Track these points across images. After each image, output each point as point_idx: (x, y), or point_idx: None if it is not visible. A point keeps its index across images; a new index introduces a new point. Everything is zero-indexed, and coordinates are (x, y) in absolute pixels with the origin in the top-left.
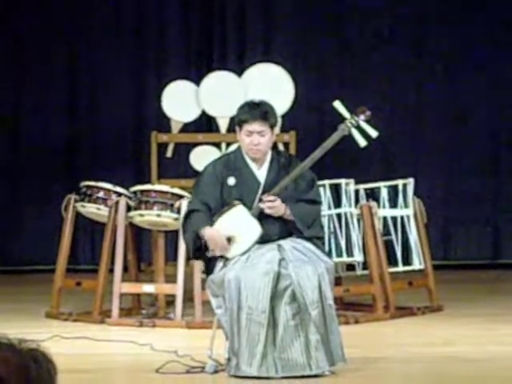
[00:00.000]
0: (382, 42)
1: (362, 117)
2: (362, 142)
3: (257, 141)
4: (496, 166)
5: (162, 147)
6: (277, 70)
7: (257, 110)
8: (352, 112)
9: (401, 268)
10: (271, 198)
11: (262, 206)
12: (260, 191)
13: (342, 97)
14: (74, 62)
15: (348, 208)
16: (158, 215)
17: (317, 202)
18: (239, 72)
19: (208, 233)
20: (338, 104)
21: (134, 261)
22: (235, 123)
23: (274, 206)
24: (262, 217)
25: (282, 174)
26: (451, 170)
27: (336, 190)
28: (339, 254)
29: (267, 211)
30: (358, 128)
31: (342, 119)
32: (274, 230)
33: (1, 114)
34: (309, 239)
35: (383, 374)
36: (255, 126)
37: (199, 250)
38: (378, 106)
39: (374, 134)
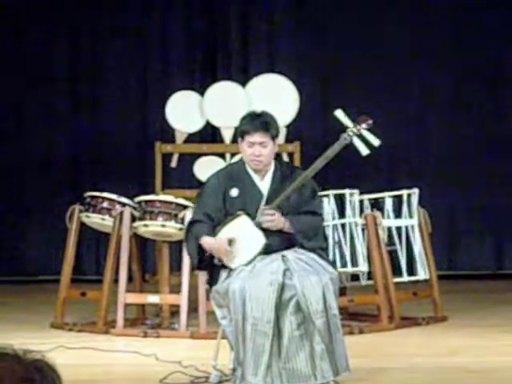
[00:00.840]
0: (386, 51)
1: (364, 125)
2: (364, 151)
3: (258, 152)
4: (501, 178)
5: (167, 158)
6: (281, 80)
7: (258, 121)
8: (354, 121)
9: (405, 278)
10: (270, 211)
11: (260, 219)
12: (263, 202)
13: (347, 107)
14: (77, 73)
15: (352, 218)
16: (163, 225)
17: (318, 214)
18: (243, 82)
19: (206, 242)
20: (339, 113)
21: (138, 271)
22: (237, 134)
23: (273, 219)
24: (265, 227)
25: (284, 184)
26: (456, 180)
27: (340, 200)
28: (344, 264)
29: (266, 225)
30: (360, 137)
31: (344, 128)
32: (278, 240)
33: (4, 125)
34: (311, 250)
35: None
36: (256, 137)
37: (202, 260)
38: (382, 115)
39: (376, 142)
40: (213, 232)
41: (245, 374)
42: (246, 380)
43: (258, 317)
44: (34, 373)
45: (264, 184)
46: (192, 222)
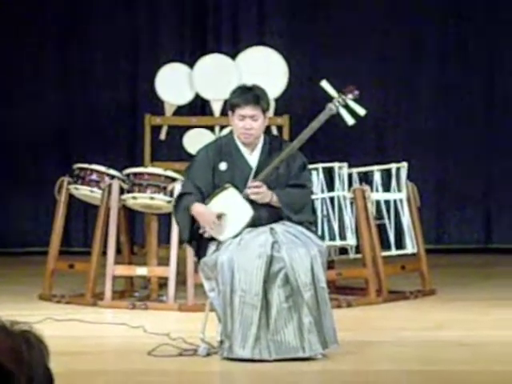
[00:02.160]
0: (377, 24)
1: (350, 95)
2: (350, 121)
3: (249, 125)
4: (488, 151)
5: (156, 130)
6: (271, 53)
7: (249, 94)
8: (340, 91)
9: (394, 252)
10: (256, 183)
11: (247, 191)
12: (252, 176)
13: (335, 80)
14: (67, 45)
15: (341, 192)
16: (151, 198)
17: (306, 187)
18: (233, 55)
19: (196, 209)
20: (325, 84)
21: (126, 243)
22: (228, 107)
23: (259, 192)
24: (253, 200)
25: (273, 157)
26: (444, 153)
27: (329, 174)
28: (332, 238)
29: (252, 197)
30: (346, 107)
31: (330, 98)
32: (266, 213)
33: None
34: (299, 223)
35: (375, 358)
36: (247, 111)
37: (193, 231)
38: (372, 88)
39: (362, 112)
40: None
41: (233, 347)
42: (233, 352)
43: (246, 289)
44: (22, 344)
45: (253, 158)
46: (181, 195)
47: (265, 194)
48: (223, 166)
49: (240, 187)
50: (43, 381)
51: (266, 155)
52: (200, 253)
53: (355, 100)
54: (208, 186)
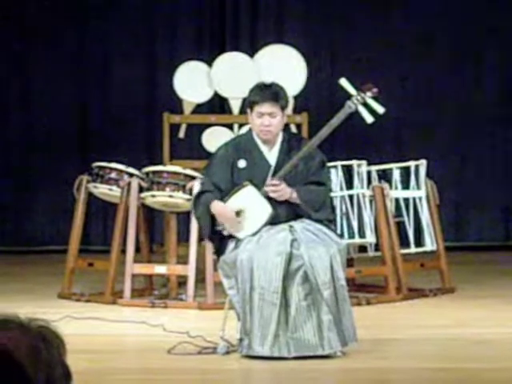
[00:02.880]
0: (395, 23)
1: (369, 93)
2: (369, 119)
3: (268, 122)
4: (508, 148)
5: (175, 128)
6: (289, 51)
7: (267, 92)
8: (358, 89)
9: (413, 249)
10: (275, 182)
11: (266, 189)
12: (271, 173)
13: (353, 78)
14: (85, 44)
15: (360, 189)
16: (170, 196)
17: (326, 185)
18: (251, 53)
19: (216, 207)
20: (344, 81)
21: (146, 242)
22: (246, 105)
23: (278, 190)
24: (272, 198)
25: (292, 155)
26: (464, 151)
27: (348, 172)
28: (351, 236)
29: (271, 195)
30: (365, 105)
31: (349, 96)
32: (284, 211)
33: (12, 94)
34: (319, 221)
35: (394, 356)
36: (266, 108)
37: (214, 229)
38: (390, 86)
39: (381, 110)
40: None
41: (252, 344)
42: (252, 349)
43: (265, 287)
44: (39, 341)
45: (272, 155)
46: (201, 192)
47: (284, 192)
48: (242, 163)
49: (259, 185)
50: (61, 378)
51: (284, 153)
52: (219, 251)
53: (374, 98)
54: (227, 183)
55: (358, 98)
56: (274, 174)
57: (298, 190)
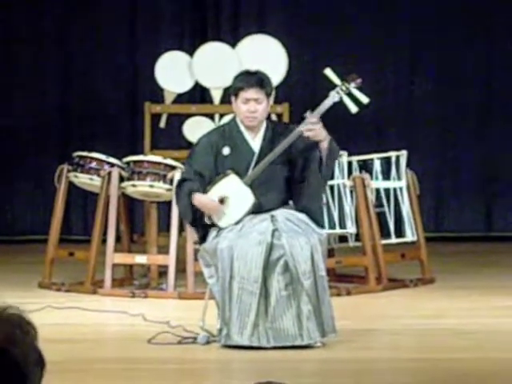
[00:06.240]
0: (376, 13)
1: (353, 84)
2: (353, 109)
3: (253, 108)
4: (488, 138)
5: (155, 118)
6: (270, 41)
7: (253, 78)
8: (343, 79)
9: (393, 240)
10: (314, 120)
11: (300, 128)
12: (254, 161)
13: (337, 68)
14: (67, 33)
15: (341, 180)
16: (151, 186)
17: None
18: (233, 43)
19: (199, 199)
20: (328, 71)
21: (126, 231)
22: (231, 92)
23: (314, 128)
24: (254, 187)
25: (277, 142)
26: (444, 141)
27: None
28: (332, 226)
29: (306, 134)
30: (349, 95)
31: (333, 86)
32: (267, 200)
33: None
34: (301, 211)
35: (374, 346)
36: (252, 93)
37: (196, 217)
38: (371, 77)
39: (365, 100)
40: (203, 191)
41: (230, 333)
42: (231, 339)
43: (245, 276)
44: (16, 329)
45: (255, 143)
46: (182, 180)
47: (320, 132)
48: (226, 150)
49: (242, 172)
50: (36, 363)
51: (268, 140)
52: (202, 239)
53: (358, 88)
54: (210, 171)
55: (343, 87)
56: (257, 162)
57: (331, 140)
